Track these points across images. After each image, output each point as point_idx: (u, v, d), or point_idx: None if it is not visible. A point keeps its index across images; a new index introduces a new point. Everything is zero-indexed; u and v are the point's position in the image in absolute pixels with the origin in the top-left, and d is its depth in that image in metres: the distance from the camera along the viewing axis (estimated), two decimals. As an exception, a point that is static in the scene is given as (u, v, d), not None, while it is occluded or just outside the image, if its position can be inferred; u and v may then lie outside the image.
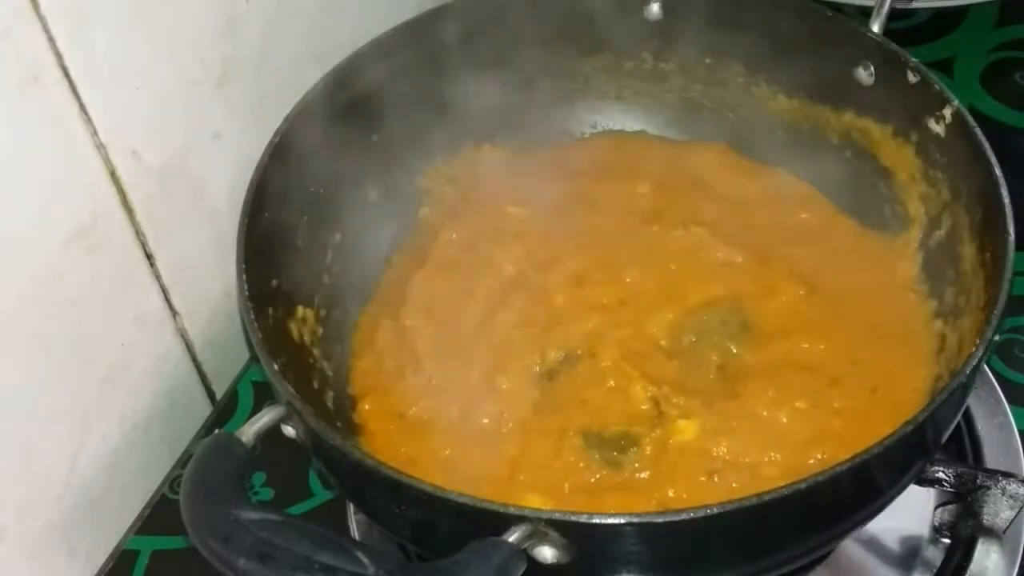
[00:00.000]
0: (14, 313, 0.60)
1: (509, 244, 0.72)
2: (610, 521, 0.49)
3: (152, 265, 0.69)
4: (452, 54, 0.74)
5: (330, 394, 0.66)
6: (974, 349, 0.53)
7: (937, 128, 0.65)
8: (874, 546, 0.63)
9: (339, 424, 0.64)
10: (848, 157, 0.72)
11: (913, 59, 0.66)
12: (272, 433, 0.56)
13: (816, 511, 0.52)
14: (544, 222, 0.73)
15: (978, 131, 0.62)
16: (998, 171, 0.59)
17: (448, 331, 0.67)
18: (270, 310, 0.62)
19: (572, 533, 0.48)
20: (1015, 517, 0.57)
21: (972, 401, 0.67)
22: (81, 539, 0.68)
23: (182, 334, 0.73)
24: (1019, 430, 0.67)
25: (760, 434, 0.60)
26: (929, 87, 0.65)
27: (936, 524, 0.63)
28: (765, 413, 0.61)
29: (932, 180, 0.67)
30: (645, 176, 0.76)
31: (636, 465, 0.61)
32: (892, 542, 0.63)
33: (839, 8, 0.73)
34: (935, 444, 0.55)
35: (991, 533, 0.60)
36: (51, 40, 0.58)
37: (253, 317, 0.58)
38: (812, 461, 0.59)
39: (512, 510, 0.49)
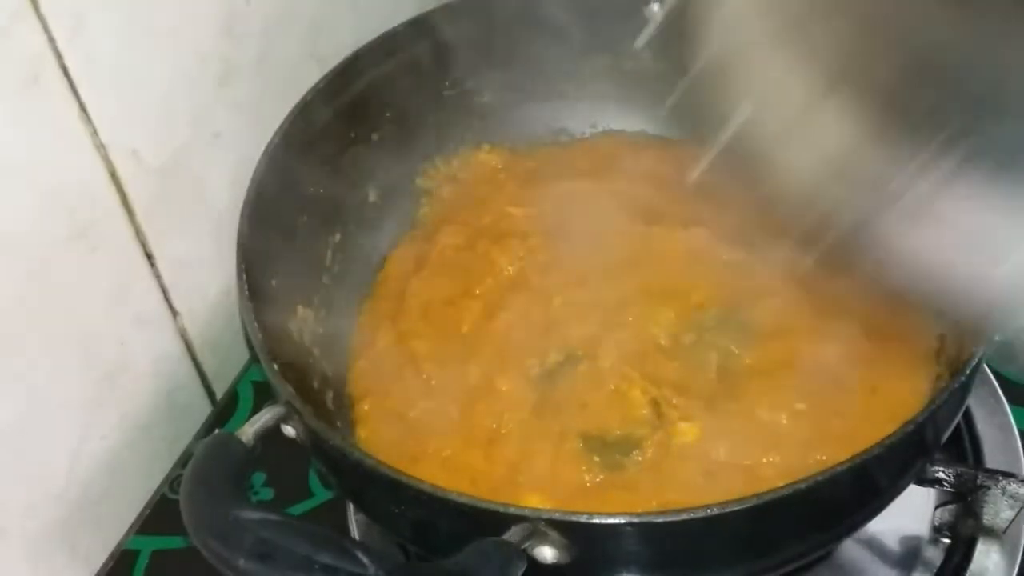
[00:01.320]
0: (14, 313, 0.60)
1: (509, 244, 0.72)
2: (610, 521, 0.49)
3: (152, 265, 0.69)
4: (452, 54, 0.74)
5: (330, 394, 0.66)
6: (974, 349, 0.53)
7: (937, 129, 0.65)
8: (874, 546, 0.63)
9: (339, 424, 0.64)
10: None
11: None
12: (272, 433, 0.56)
13: (816, 511, 0.52)
14: (544, 222, 0.73)
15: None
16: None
17: (448, 331, 0.68)
18: (270, 310, 0.62)
19: (572, 533, 0.48)
20: (1015, 517, 0.57)
21: (972, 401, 0.67)
22: (81, 539, 0.68)
23: (182, 334, 0.73)
24: (1019, 430, 0.67)
25: (760, 436, 0.60)
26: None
27: (936, 524, 0.63)
28: (765, 415, 0.61)
29: (932, 180, 0.67)
30: (645, 176, 0.76)
31: (637, 468, 0.60)
32: (892, 542, 0.63)
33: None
34: (935, 444, 0.55)
35: (991, 533, 0.60)
36: (51, 40, 0.58)
37: (253, 317, 0.58)
38: (812, 463, 0.59)
39: (512, 510, 0.49)
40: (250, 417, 0.55)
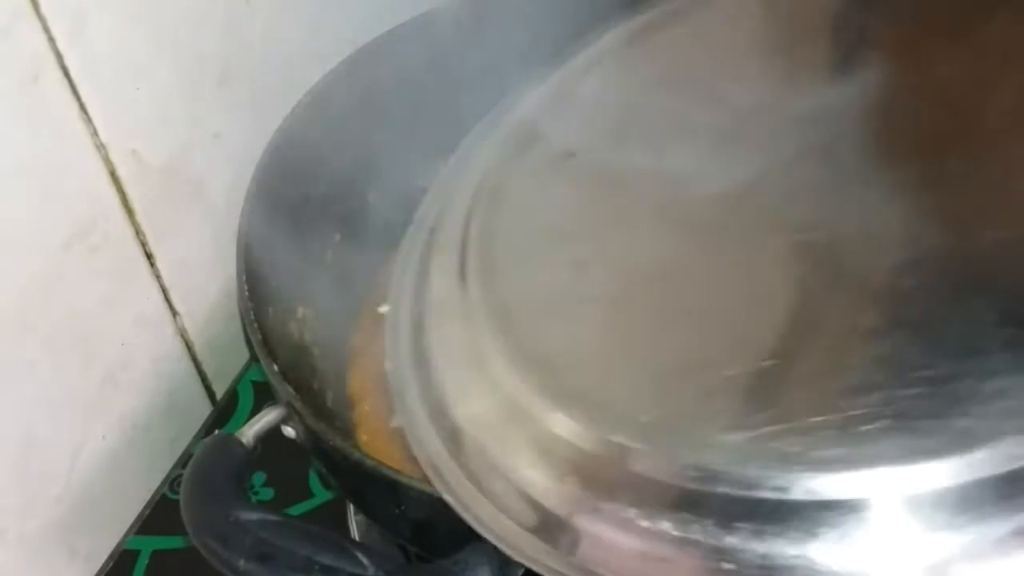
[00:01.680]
0: (14, 313, 0.60)
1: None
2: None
3: (152, 265, 0.69)
4: (453, 53, 0.74)
5: (330, 394, 0.66)
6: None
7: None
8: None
9: (339, 424, 0.64)
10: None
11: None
12: (272, 433, 0.55)
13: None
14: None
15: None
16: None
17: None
18: (270, 310, 0.62)
19: (572, 534, 0.48)
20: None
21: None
22: (81, 539, 0.68)
23: (182, 334, 0.73)
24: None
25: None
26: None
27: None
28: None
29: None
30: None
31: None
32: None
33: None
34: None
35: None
36: (51, 40, 0.58)
37: (253, 317, 0.58)
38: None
39: (512, 510, 0.49)
40: (250, 417, 0.55)
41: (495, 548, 0.47)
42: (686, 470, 0.41)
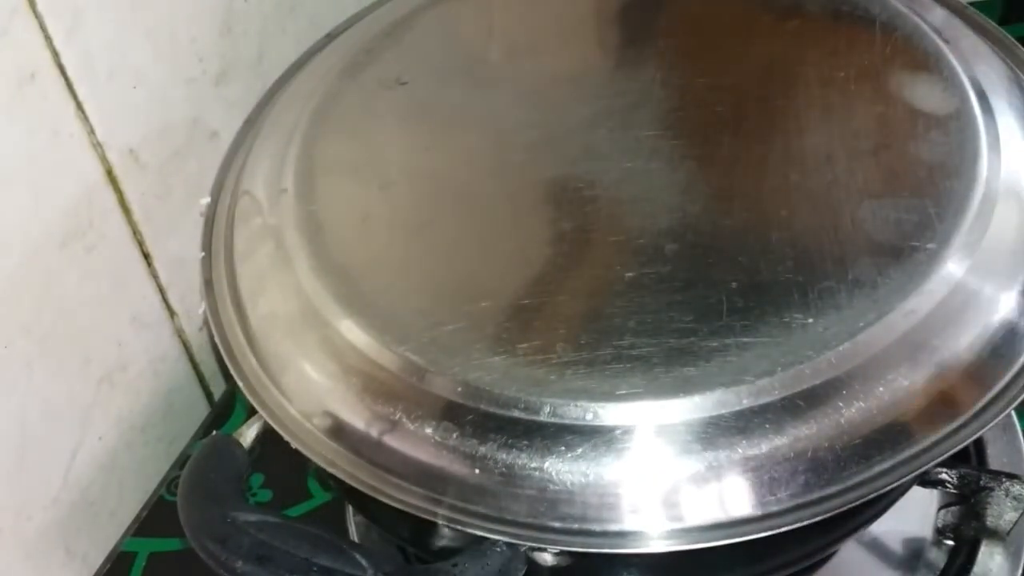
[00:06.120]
0: (10, 313, 0.59)
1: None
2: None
3: (149, 265, 0.69)
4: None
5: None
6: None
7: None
8: (877, 548, 0.63)
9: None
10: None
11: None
12: (270, 434, 0.55)
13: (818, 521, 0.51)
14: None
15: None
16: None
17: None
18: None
19: (572, 535, 0.48)
20: (1019, 519, 0.56)
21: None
22: (78, 541, 0.68)
23: (180, 334, 0.73)
24: (1023, 431, 0.66)
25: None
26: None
27: (939, 526, 0.63)
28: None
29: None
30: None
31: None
32: (895, 544, 0.63)
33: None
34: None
35: (994, 535, 0.59)
36: (47, 38, 0.58)
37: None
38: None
39: (511, 512, 0.49)
40: (248, 418, 0.55)
41: (495, 550, 0.47)
42: (454, 385, 0.46)
